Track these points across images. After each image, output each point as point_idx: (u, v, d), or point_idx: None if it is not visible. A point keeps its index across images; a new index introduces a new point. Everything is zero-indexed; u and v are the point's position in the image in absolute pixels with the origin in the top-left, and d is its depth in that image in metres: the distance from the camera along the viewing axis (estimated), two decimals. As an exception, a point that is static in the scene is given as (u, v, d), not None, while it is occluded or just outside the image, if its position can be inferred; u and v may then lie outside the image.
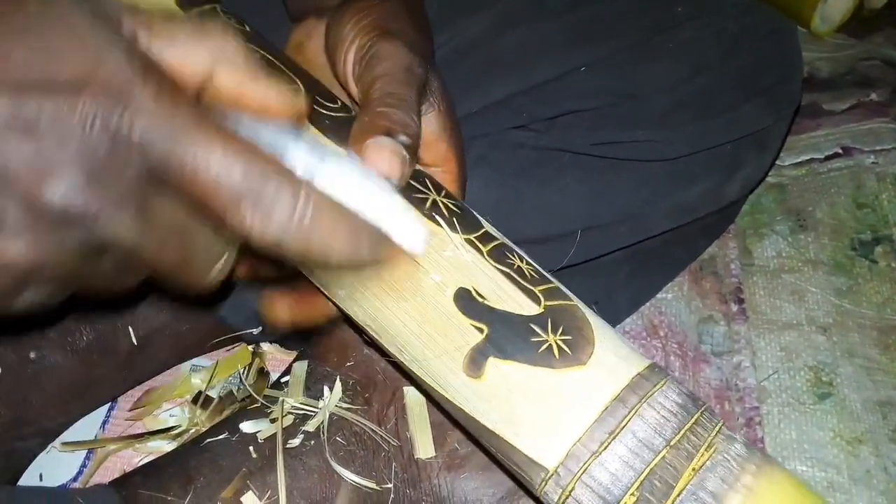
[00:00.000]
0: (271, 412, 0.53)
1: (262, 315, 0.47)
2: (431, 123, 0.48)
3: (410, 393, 0.53)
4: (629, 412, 0.37)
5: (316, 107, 0.47)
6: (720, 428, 0.38)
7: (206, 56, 0.34)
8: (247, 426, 0.52)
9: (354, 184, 0.38)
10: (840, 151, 0.86)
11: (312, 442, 0.51)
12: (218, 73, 0.35)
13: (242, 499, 0.48)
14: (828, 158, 0.86)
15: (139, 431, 0.68)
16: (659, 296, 0.77)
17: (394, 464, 0.51)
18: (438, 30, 0.64)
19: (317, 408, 0.53)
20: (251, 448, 0.51)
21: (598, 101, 0.64)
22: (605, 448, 0.37)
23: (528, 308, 0.40)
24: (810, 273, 0.77)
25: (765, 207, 0.83)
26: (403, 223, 0.40)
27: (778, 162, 0.85)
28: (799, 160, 0.86)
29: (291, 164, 0.35)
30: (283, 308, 0.47)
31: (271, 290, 0.47)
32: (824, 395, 0.69)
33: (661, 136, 0.64)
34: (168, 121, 0.31)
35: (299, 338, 0.70)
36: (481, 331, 0.39)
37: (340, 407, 0.52)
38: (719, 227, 0.80)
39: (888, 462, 0.65)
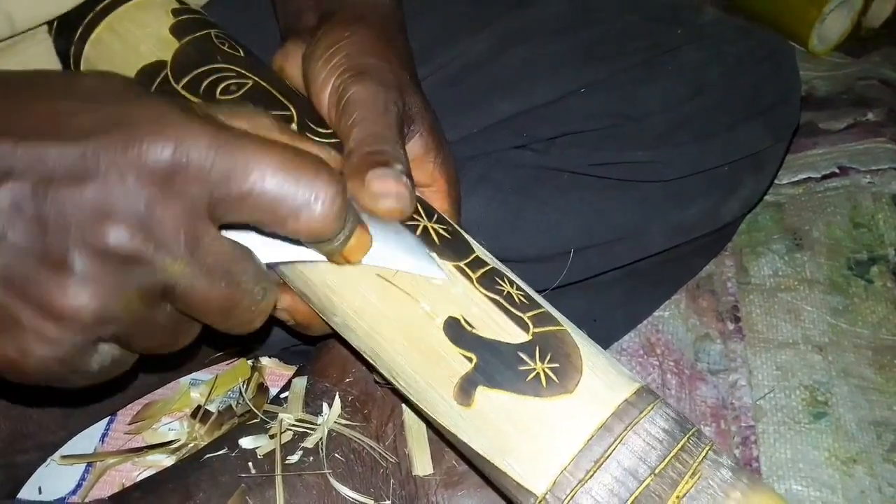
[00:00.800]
0: (270, 428, 0.54)
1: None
2: (416, 145, 0.49)
3: (409, 410, 0.53)
4: (615, 440, 0.38)
5: (308, 133, 0.48)
6: (707, 453, 0.39)
7: (244, 126, 0.36)
8: (246, 442, 0.52)
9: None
10: (837, 171, 0.86)
11: (311, 458, 0.51)
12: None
13: (241, 516, 0.48)
14: (824, 178, 0.86)
15: (138, 445, 0.68)
16: (656, 314, 0.77)
17: (392, 480, 0.51)
18: (441, 49, 0.65)
19: (316, 424, 0.53)
20: (250, 464, 0.51)
21: (598, 122, 0.64)
22: (590, 476, 0.37)
23: (517, 336, 0.40)
24: (806, 292, 0.78)
25: (762, 226, 0.83)
26: (422, 262, 0.41)
27: (775, 181, 0.86)
28: (796, 179, 0.87)
29: None
30: (281, 301, 0.47)
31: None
32: (819, 415, 0.70)
33: (660, 156, 0.64)
34: (218, 142, 0.33)
35: (298, 353, 0.70)
36: (470, 360, 0.40)
37: (339, 423, 0.53)
38: (716, 247, 0.81)
39: (883, 482, 0.65)
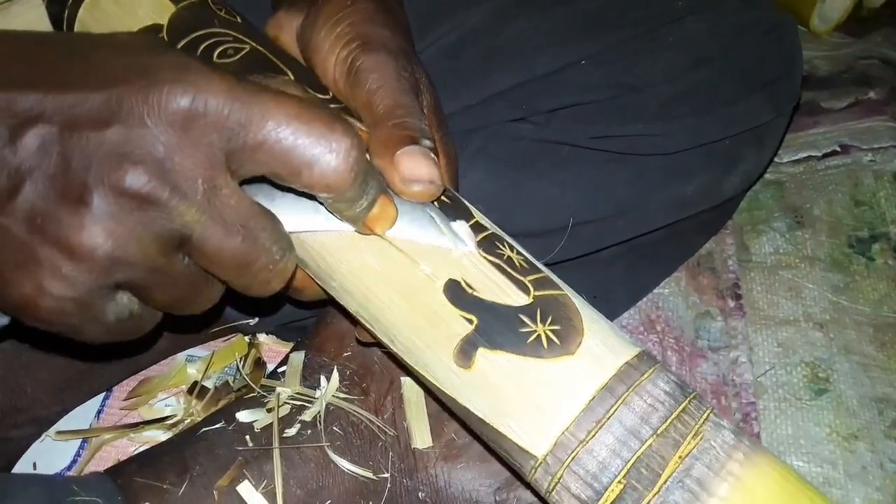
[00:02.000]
0: (268, 402, 0.53)
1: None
2: None
3: (408, 383, 0.53)
4: (616, 401, 0.38)
5: None
6: (708, 416, 0.39)
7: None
8: (243, 415, 0.52)
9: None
10: (838, 149, 0.86)
11: (309, 431, 0.51)
12: None
13: (238, 488, 0.48)
14: (826, 156, 0.86)
15: (134, 421, 0.68)
16: (656, 291, 0.77)
17: (391, 453, 0.51)
18: (438, 21, 0.64)
19: (314, 398, 0.53)
20: (248, 437, 0.51)
21: (598, 95, 0.63)
22: (592, 437, 0.37)
23: (518, 298, 0.40)
24: (807, 270, 0.77)
25: (763, 204, 0.83)
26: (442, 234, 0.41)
27: (776, 159, 0.85)
28: (797, 157, 0.87)
29: None
30: None
31: None
32: (821, 391, 0.69)
33: (660, 129, 0.63)
34: (236, 94, 0.34)
35: (296, 329, 0.70)
36: (471, 322, 0.39)
37: (337, 397, 0.52)
38: (717, 224, 0.80)
39: (884, 458, 0.65)
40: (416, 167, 0.40)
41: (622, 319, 0.75)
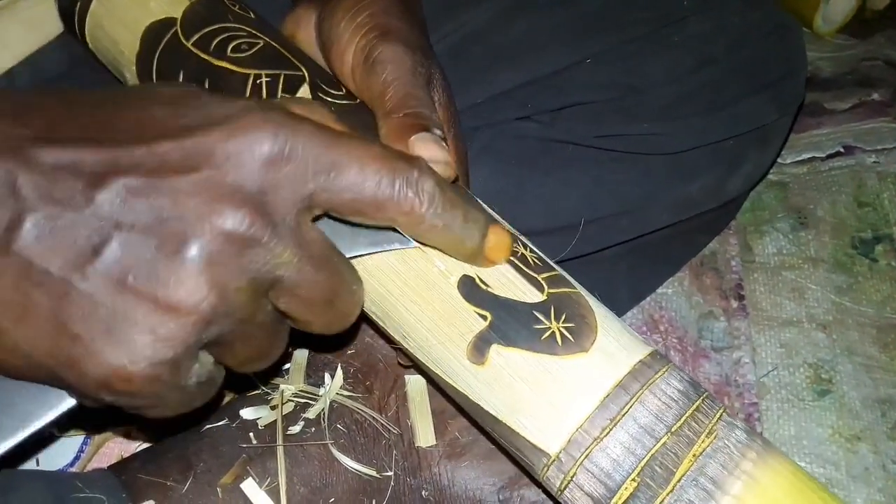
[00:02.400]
0: (271, 399, 0.53)
1: None
2: None
3: (412, 381, 0.53)
4: (631, 398, 0.38)
5: (321, 94, 0.47)
6: (721, 415, 0.39)
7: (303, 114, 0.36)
8: (247, 413, 0.52)
9: None
10: (842, 150, 0.86)
11: (313, 429, 0.51)
12: None
13: (242, 485, 0.48)
14: (829, 157, 0.86)
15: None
16: (659, 291, 0.77)
17: (394, 452, 0.51)
18: (444, 19, 0.64)
19: (317, 395, 0.53)
20: (251, 434, 0.51)
21: (603, 94, 0.64)
22: (606, 434, 0.37)
23: (532, 295, 0.40)
24: (811, 270, 0.77)
25: (766, 204, 0.83)
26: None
27: (779, 160, 0.85)
28: (800, 158, 0.86)
29: None
30: None
31: None
32: (823, 392, 0.69)
33: (665, 129, 0.64)
34: (328, 139, 0.34)
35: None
36: (485, 318, 0.39)
37: (341, 394, 0.52)
38: (720, 224, 0.80)
39: (887, 459, 0.65)
40: (429, 151, 0.40)
41: (625, 319, 0.75)
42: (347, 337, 0.56)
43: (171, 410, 0.35)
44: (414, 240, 0.39)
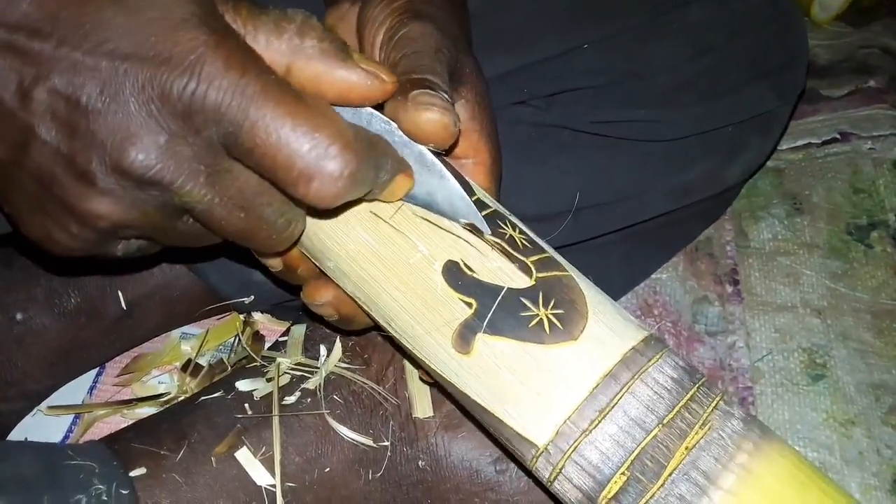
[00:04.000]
0: (268, 372, 0.52)
1: (305, 301, 0.46)
2: (461, 111, 0.46)
3: (409, 355, 0.52)
4: (621, 389, 0.36)
5: None
6: (717, 403, 0.37)
7: (284, 50, 0.36)
8: (243, 384, 0.51)
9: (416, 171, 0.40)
10: (838, 137, 0.86)
11: (309, 400, 0.50)
12: (294, 66, 0.37)
13: (237, 454, 0.47)
14: (825, 143, 0.86)
15: (127, 398, 0.67)
16: (654, 276, 0.77)
17: (391, 422, 0.50)
18: (439, 2, 0.63)
19: (315, 367, 0.52)
20: (246, 405, 0.50)
21: (600, 80, 0.63)
22: (595, 426, 0.36)
23: (519, 280, 0.38)
24: (806, 256, 0.77)
25: (761, 191, 0.83)
26: (465, 210, 0.40)
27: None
28: (796, 144, 0.86)
29: None
30: (325, 295, 0.46)
31: (316, 279, 0.46)
32: (818, 377, 0.69)
33: (663, 116, 0.63)
34: (237, 90, 0.33)
35: (291, 308, 0.69)
36: (470, 305, 0.38)
37: (339, 366, 0.52)
38: (716, 211, 0.80)
39: (880, 444, 0.65)
40: (429, 99, 0.39)
41: (619, 304, 0.74)
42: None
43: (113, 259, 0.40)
44: None
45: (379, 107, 0.40)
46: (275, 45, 0.36)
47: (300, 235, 0.39)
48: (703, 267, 0.77)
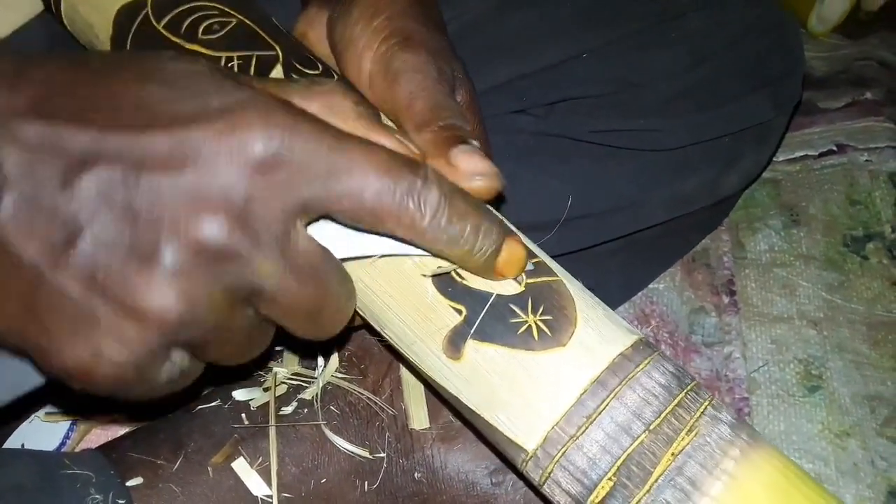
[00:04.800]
0: (265, 381, 0.53)
1: None
2: None
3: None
4: (609, 395, 0.36)
5: (294, 74, 0.46)
6: (706, 408, 0.37)
7: (319, 111, 0.34)
8: (239, 394, 0.51)
9: None
10: (834, 149, 0.86)
11: (306, 410, 0.50)
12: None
13: (233, 464, 0.47)
14: (822, 155, 0.86)
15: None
16: (651, 286, 0.77)
17: (387, 434, 0.51)
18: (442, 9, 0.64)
19: (312, 377, 0.52)
20: (243, 415, 0.50)
21: (599, 89, 0.63)
22: (582, 432, 0.36)
23: (509, 287, 0.39)
24: (802, 268, 0.78)
25: (758, 202, 0.83)
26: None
27: (773, 158, 0.85)
28: (793, 156, 0.87)
29: None
30: None
31: None
32: (814, 388, 0.69)
33: (661, 125, 0.63)
34: (330, 142, 0.32)
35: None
36: (460, 312, 0.38)
37: (336, 377, 0.52)
38: (713, 222, 0.80)
39: (875, 455, 0.65)
40: (477, 163, 0.39)
41: (616, 313, 0.75)
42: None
43: (145, 398, 0.34)
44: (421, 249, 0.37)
45: None
46: (309, 107, 0.34)
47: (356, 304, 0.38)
48: (700, 277, 0.78)
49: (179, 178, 0.30)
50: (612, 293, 0.74)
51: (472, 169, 0.39)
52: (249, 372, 0.60)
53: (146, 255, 0.30)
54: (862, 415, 0.68)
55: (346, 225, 0.36)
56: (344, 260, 0.38)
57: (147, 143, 0.30)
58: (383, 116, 0.44)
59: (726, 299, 0.76)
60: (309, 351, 0.54)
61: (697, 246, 0.80)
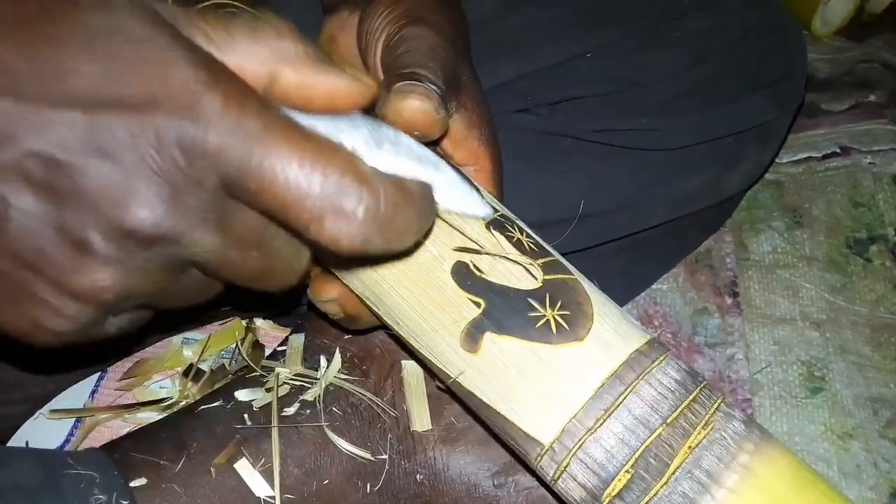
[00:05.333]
0: (267, 382, 0.53)
1: (311, 298, 0.46)
2: (460, 119, 0.46)
3: (408, 366, 0.53)
4: (626, 389, 0.37)
5: None
6: (719, 405, 0.38)
7: (267, 56, 0.33)
8: (242, 394, 0.52)
9: (412, 167, 0.38)
10: (838, 151, 0.86)
11: (308, 411, 0.50)
12: (281, 73, 0.34)
13: (236, 465, 0.47)
14: (825, 157, 0.86)
15: (129, 402, 0.67)
16: (654, 286, 0.77)
17: (389, 435, 0.51)
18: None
19: (314, 378, 0.52)
20: (246, 416, 0.50)
21: (602, 88, 0.63)
22: (600, 424, 0.37)
23: (527, 282, 0.39)
24: (805, 269, 0.77)
25: (761, 203, 0.83)
26: (468, 199, 0.40)
27: (776, 160, 0.85)
28: (797, 158, 0.87)
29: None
30: (332, 291, 0.45)
31: (320, 273, 0.46)
32: (816, 390, 0.69)
33: (664, 124, 0.63)
34: (239, 130, 0.29)
35: (294, 314, 0.69)
36: (478, 305, 0.39)
37: (338, 378, 0.52)
38: (716, 222, 0.80)
39: (878, 457, 0.65)
40: (409, 88, 0.38)
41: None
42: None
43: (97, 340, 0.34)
44: None
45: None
46: (255, 51, 0.33)
47: (310, 262, 0.37)
48: (702, 278, 0.78)
49: (99, 166, 0.29)
50: (615, 293, 0.73)
51: (405, 89, 0.38)
52: (205, 312, 0.61)
53: (76, 239, 0.29)
54: (865, 417, 0.68)
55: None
56: None
57: (63, 123, 0.28)
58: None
59: (729, 300, 0.76)
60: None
61: (700, 247, 0.80)
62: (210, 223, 0.31)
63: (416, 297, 0.40)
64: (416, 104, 0.39)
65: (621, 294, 0.75)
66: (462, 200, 0.40)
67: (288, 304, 0.60)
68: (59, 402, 0.67)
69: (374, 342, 0.54)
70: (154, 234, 0.30)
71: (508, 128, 0.64)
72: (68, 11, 0.29)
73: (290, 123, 0.31)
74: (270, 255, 0.34)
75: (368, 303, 0.43)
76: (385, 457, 0.50)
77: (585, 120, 0.64)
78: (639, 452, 0.36)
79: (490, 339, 0.38)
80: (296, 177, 0.30)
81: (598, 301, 0.40)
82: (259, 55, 0.33)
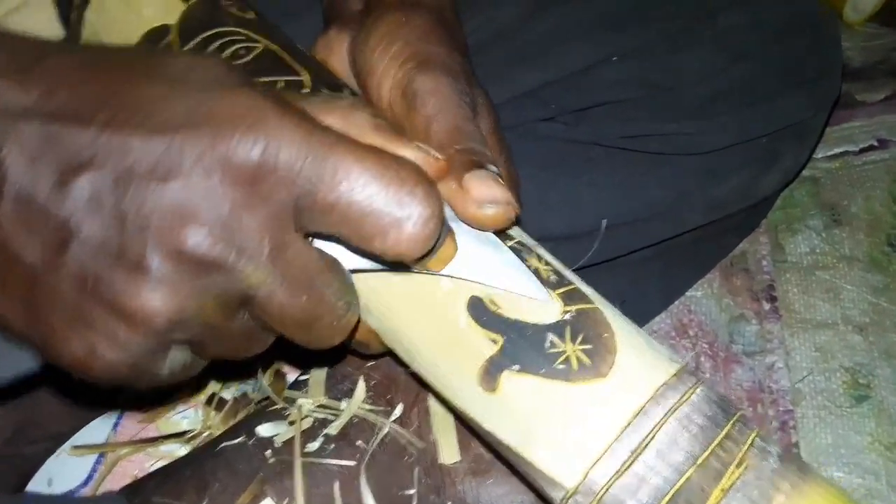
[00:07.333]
0: (289, 414, 0.51)
1: None
2: None
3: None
4: (653, 428, 0.35)
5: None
6: (753, 440, 0.35)
7: (340, 126, 0.33)
8: (264, 429, 0.50)
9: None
10: (876, 144, 0.83)
11: (332, 445, 0.49)
12: None
13: (260, 505, 0.46)
14: (863, 151, 0.83)
15: (151, 435, 0.66)
16: (688, 294, 0.75)
17: (417, 468, 0.49)
18: (466, 18, 0.61)
19: (338, 410, 0.51)
20: (268, 452, 0.49)
21: (631, 93, 0.61)
22: (626, 468, 0.34)
23: (546, 315, 0.37)
24: (845, 270, 0.75)
25: (797, 202, 0.81)
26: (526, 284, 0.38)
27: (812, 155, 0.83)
28: (833, 153, 0.84)
29: None
30: None
31: None
32: (861, 398, 0.67)
33: (697, 128, 0.61)
34: (311, 144, 0.31)
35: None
36: (495, 342, 0.37)
37: (363, 408, 0.50)
38: (751, 224, 0.78)
39: (929, 468, 0.63)
40: (489, 190, 0.38)
41: (653, 324, 0.73)
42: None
43: (146, 388, 0.35)
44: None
45: None
46: (328, 122, 0.34)
47: (356, 322, 0.37)
48: (738, 283, 0.75)
49: (165, 188, 0.30)
50: (651, 301, 0.72)
51: (485, 195, 0.37)
52: (254, 366, 0.61)
53: (134, 262, 0.30)
54: (914, 425, 0.65)
55: None
56: (355, 271, 0.37)
57: (137, 147, 0.30)
58: None
59: (767, 306, 0.73)
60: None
61: (735, 250, 0.78)
62: (263, 254, 0.31)
63: (431, 335, 0.38)
64: (498, 212, 0.38)
65: (657, 302, 0.73)
66: (510, 277, 0.38)
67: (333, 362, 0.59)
68: (82, 435, 0.66)
69: (398, 369, 0.52)
70: (209, 257, 0.30)
71: (534, 136, 0.62)
72: (164, 53, 0.34)
73: (355, 140, 0.32)
74: (320, 302, 0.34)
75: (384, 339, 0.42)
76: (413, 491, 0.48)
77: (614, 126, 0.62)
78: (668, 497, 0.34)
79: (508, 377, 0.36)
80: (370, 186, 0.31)
81: (623, 330, 0.38)
82: (333, 125, 0.33)
